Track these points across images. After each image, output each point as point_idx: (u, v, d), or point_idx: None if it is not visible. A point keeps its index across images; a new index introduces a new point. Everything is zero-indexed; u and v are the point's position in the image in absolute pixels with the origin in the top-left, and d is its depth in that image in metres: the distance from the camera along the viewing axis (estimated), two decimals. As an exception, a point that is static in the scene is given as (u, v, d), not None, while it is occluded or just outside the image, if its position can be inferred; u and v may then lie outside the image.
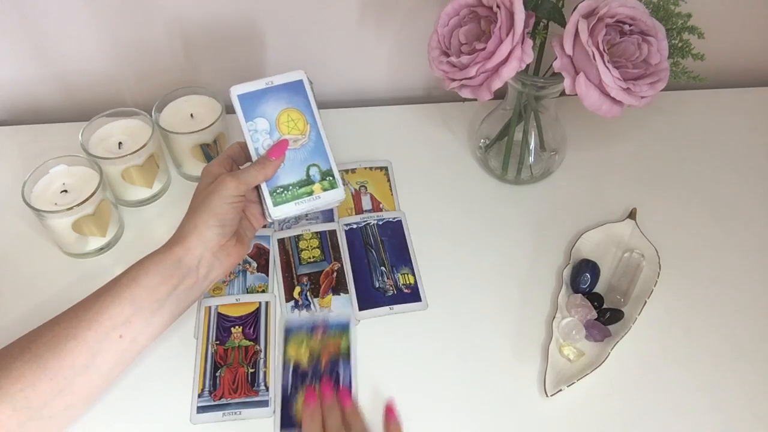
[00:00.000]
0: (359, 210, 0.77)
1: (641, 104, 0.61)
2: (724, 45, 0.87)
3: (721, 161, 0.83)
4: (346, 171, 0.80)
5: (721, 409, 0.62)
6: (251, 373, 0.63)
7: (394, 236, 0.74)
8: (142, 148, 0.71)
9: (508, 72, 0.61)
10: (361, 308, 0.68)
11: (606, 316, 0.66)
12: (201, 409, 0.61)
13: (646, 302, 0.67)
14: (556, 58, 0.62)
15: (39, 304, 0.68)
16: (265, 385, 0.62)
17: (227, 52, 0.84)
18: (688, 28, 0.63)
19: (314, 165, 0.62)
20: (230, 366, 0.64)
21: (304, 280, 0.70)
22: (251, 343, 0.65)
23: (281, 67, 0.86)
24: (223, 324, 0.66)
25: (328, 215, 0.76)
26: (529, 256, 0.73)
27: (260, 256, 0.72)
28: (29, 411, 0.50)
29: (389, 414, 0.57)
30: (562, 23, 0.62)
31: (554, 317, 0.67)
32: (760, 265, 0.73)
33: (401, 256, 0.73)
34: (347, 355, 0.63)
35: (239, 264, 0.71)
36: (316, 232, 0.74)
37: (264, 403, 0.61)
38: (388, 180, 0.80)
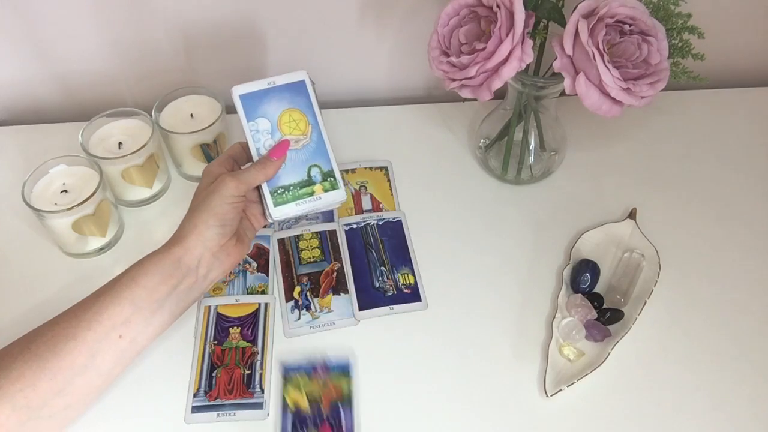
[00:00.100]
0: (359, 210, 0.77)
1: (641, 104, 0.61)
2: (724, 45, 0.87)
3: (721, 161, 0.83)
4: (346, 171, 0.80)
5: (721, 409, 0.62)
6: (247, 374, 0.63)
7: (394, 236, 0.74)
8: (142, 148, 0.71)
9: (508, 72, 0.61)
10: (361, 308, 0.68)
11: (606, 316, 0.66)
12: (195, 409, 0.61)
13: (646, 302, 0.67)
14: (556, 58, 0.62)
15: (39, 304, 0.68)
16: (261, 387, 0.62)
17: (227, 52, 0.84)
18: (688, 28, 0.63)
19: (315, 166, 0.62)
20: (227, 367, 0.64)
21: (304, 280, 0.70)
22: (249, 344, 0.65)
23: (281, 67, 0.87)
24: (222, 324, 0.66)
25: (328, 215, 0.76)
26: (529, 256, 0.73)
27: (260, 256, 0.72)
28: (29, 411, 0.50)
29: None
30: (562, 23, 0.62)
31: (554, 317, 0.67)
32: (760, 264, 0.73)
33: (401, 256, 0.73)
34: (349, 400, 0.61)
35: (239, 264, 0.71)
36: (316, 232, 0.74)
37: (258, 405, 0.61)
38: (388, 180, 0.80)
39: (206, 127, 0.73)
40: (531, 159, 0.79)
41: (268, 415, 0.61)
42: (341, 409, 0.60)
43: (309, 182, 0.62)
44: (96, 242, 0.72)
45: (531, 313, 0.68)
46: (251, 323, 0.67)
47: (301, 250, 0.73)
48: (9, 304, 0.68)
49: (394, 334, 0.67)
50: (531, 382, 0.64)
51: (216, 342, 0.65)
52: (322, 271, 0.71)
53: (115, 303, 0.54)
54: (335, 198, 0.62)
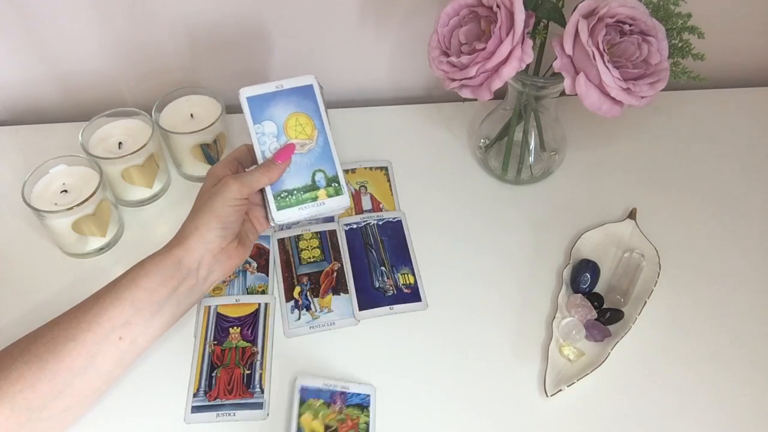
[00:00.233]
0: (359, 210, 0.77)
1: (641, 104, 0.61)
2: (724, 45, 0.87)
3: (721, 161, 0.83)
4: (346, 171, 0.80)
5: (721, 408, 0.62)
6: (247, 374, 0.63)
7: (394, 236, 0.74)
8: (142, 148, 0.71)
9: (508, 72, 0.61)
10: (361, 308, 0.68)
11: (606, 316, 0.66)
12: (195, 409, 0.61)
13: (646, 302, 0.67)
14: (556, 58, 0.62)
15: (39, 305, 0.68)
16: (261, 387, 0.62)
17: (227, 53, 0.84)
18: (688, 28, 0.63)
19: (320, 170, 0.61)
20: (226, 366, 0.64)
21: (304, 280, 0.70)
22: (248, 344, 0.65)
23: (281, 68, 0.87)
24: (222, 324, 0.66)
25: (328, 215, 0.76)
26: (529, 256, 0.73)
27: (260, 256, 0.72)
28: (28, 412, 0.50)
29: None
30: (562, 23, 0.62)
31: (554, 317, 0.67)
32: (761, 264, 0.73)
33: (401, 256, 0.73)
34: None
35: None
36: (316, 232, 0.74)
37: (258, 405, 0.61)
38: (388, 180, 0.80)
39: (206, 127, 0.73)
40: (531, 159, 0.79)
41: (267, 415, 0.61)
42: None
43: (313, 187, 0.61)
44: (96, 242, 0.72)
45: (531, 313, 0.68)
46: (251, 323, 0.67)
47: (301, 250, 0.73)
48: (9, 304, 0.68)
49: (394, 334, 0.67)
50: (531, 382, 0.64)
51: (216, 342, 0.65)
52: (322, 271, 0.71)
53: (115, 304, 0.54)
54: (339, 204, 0.61)
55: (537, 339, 0.66)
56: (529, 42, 0.61)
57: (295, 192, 0.60)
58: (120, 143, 0.73)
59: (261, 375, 0.63)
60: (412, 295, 0.69)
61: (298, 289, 0.69)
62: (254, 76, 0.87)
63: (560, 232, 0.75)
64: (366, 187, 0.79)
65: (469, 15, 0.64)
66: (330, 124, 0.62)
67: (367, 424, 0.60)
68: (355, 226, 0.75)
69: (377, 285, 0.70)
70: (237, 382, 0.62)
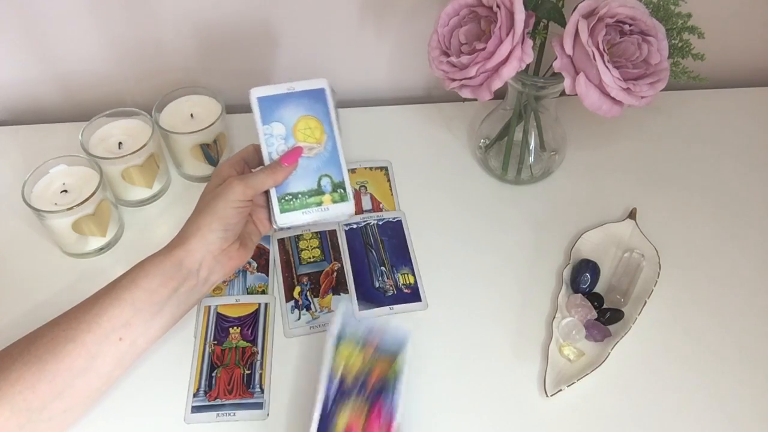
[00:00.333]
0: (359, 210, 0.77)
1: (641, 104, 0.61)
2: (724, 45, 0.87)
3: (721, 161, 0.83)
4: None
5: (721, 408, 0.62)
6: (247, 374, 0.63)
7: (394, 236, 0.74)
8: (142, 148, 0.71)
9: (508, 72, 0.61)
10: (361, 308, 0.68)
11: (606, 316, 0.66)
12: (195, 409, 0.61)
13: (646, 302, 0.67)
14: (556, 58, 0.62)
15: (39, 305, 0.68)
16: (261, 387, 0.62)
17: (227, 53, 0.84)
18: (688, 28, 0.63)
19: (326, 175, 0.61)
20: (226, 366, 0.64)
21: (304, 280, 0.70)
22: (248, 344, 0.65)
23: (281, 68, 0.87)
24: (222, 324, 0.66)
25: (330, 221, 0.75)
26: (529, 256, 0.73)
27: (260, 256, 0.72)
28: (28, 413, 0.50)
29: None
30: (562, 23, 0.62)
31: (554, 317, 0.67)
32: (761, 264, 0.73)
33: (401, 256, 0.73)
34: (396, 382, 0.57)
35: (239, 264, 0.71)
36: (316, 232, 0.74)
37: (258, 405, 0.61)
38: (388, 180, 0.80)
39: (206, 127, 0.73)
40: (531, 159, 0.79)
41: (267, 415, 0.61)
42: (388, 387, 0.57)
43: (318, 191, 0.61)
44: (96, 242, 0.72)
45: (531, 313, 0.68)
46: (251, 323, 0.67)
47: (301, 250, 0.73)
48: (9, 304, 0.68)
49: (394, 334, 0.67)
50: (531, 382, 0.64)
51: (216, 342, 0.65)
52: (322, 271, 0.71)
53: (115, 305, 0.53)
54: (343, 210, 0.61)
55: (537, 339, 0.66)
56: (529, 42, 0.61)
57: (299, 195, 0.60)
58: (120, 143, 0.73)
59: (261, 375, 0.63)
60: (412, 295, 0.69)
61: (298, 289, 0.69)
62: (254, 76, 0.87)
63: (560, 232, 0.75)
64: (366, 187, 0.79)
65: (469, 15, 0.64)
66: (340, 130, 0.62)
67: (400, 368, 0.58)
68: (355, 226, 0.75)
69: (377, 285, 0.70)
70: (237, 382, 0.62)
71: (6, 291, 0.69)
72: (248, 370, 0.63)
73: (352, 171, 0.81)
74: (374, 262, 0.72)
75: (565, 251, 0.73)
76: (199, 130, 0.73)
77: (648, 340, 0.66)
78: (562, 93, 0.68)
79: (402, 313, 0.68)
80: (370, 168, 0.81)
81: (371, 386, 0.57)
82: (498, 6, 0.60)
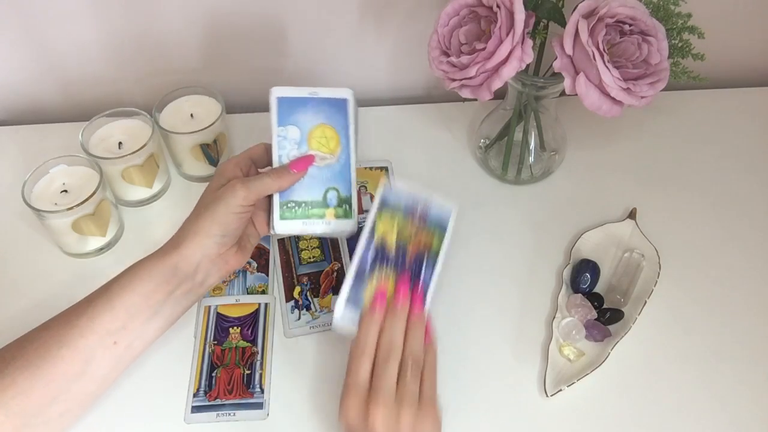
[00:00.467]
0: (359, 210, 0.77)
1: (641, 104, 0.61)
2: (724, 45, 0.87)
3: (721, 161, 0.83)
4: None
5: (722, 408, 0.62)
6: (247, 374, 0.63)
7: (394, 236, 0.74)
8: (142, 148, 0.71)
9: (508, 72, 0.61)
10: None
11: (606, 316, 0.66)
12: (195, 409, 0.61)
13: (646, 302, 0.67)
14: (556, 58, 0.62)
15: (39, 305, 0.68)
16: (261, 387, 0.62)
17: (226, 53, 0.84)
18: (688, 28, 0.63)
19: (334, 189, 0.59)
20: (226, 366, 0.64)
21: (304, 280, 0.70)
22: (248, 344, 0.65)
23: (280, 68, 0.87)
24: (222, 324, 0.66)
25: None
26: (529, 256, 0.73)
27: (260, 256, 0.72)
28: (24, 417, 0.49)
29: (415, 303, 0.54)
30: (562, 23, 0.62)
31: (554, 317, 0.67)
32: (761, 264, 0.73)
33: (401, 256, 0.72)
34: (435, 257, 0.57)
35: (239, 264, 0.71)
36: (316, 232, 0.74)
37: (258, 405, 0.61)
38: (389, 180, 0.80)
39: (206, 127, 0.73)
40: (531, 159, 0.79)
41: (267, 415, 0.61)
42: (425, 261, 0.57)
43: (323, 204, 0.59)
44: (96, 242, 0.72)
45: (531, 313, 0.68)
46: (251, 323, 0.67)
47: (301, 250, 0.73)
48: (9, 304, 0.68)
49: (394, 334, 0.67)
50: (531, 382, 0.64)
51: (216, 342, 0.65)
52: (322, 271, 0.71)
53: (108, 309, 0.52)
54: (344, 227, 0.59)
55: (537, 339, 0.66)
56: (529, 42, 0.61)
57: (303, 205, 0.58)
58: (120, 143, 0.73)
59: (261, 375, 0.63)
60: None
61: (298, 289, 0.69)
62: (253, 75, 0.87)
63: (560, 232, 0.75)
64: (366, 187, 0.79)
65: (469, 15, 0.64)
66: (357, 144, 0.60)
67: (441, 242, 0.58)
68: (355, 226, 0.75)
69: (377, 285, 0.70)
70: (237, 382, 0.62)
71: (6, 291, 0.69)
72: (248, 370, 0.63)
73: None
74: (374, 262, 0.72)
75: (565, 251, 0.73)
76: (199, 130, 0.73)
77: (648, 340, 0.66)
78: (562, 93, 0.68)
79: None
80: (370, 168, 0.81)
81: (410, 256, 0.56)
82: (498, 6, 0.60)
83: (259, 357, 0.64)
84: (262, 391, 0.62)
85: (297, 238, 0.73)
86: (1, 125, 0.86)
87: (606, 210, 0.77)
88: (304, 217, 0.58)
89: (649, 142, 0.85)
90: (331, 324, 0.67)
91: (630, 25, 0.61)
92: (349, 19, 0.83)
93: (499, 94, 0.70)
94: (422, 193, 0.59)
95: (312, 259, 0.72)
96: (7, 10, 0.76)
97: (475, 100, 0.64)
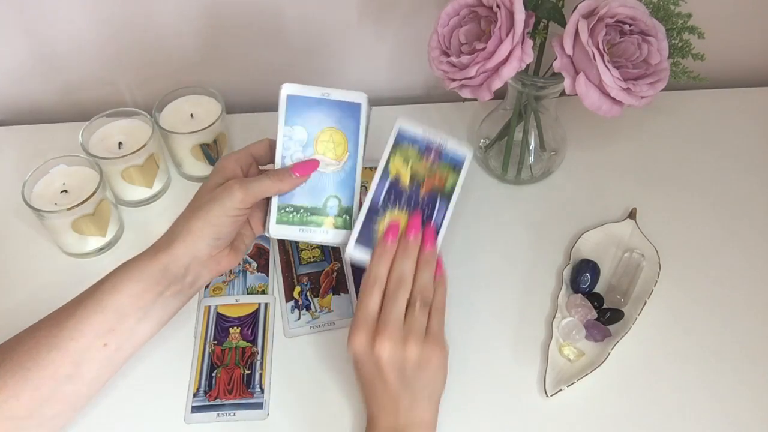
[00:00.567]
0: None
1: (641, 104, 0.61)
2: (724, 45, 0.87)
3: (721, 161, 0.83)
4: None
5: (721, 409, 0.62)
6: (247, 374, 0.63)
7: (394, 236, 0.74)
8: (142, 148, 0.71)
9: (508, 72, 0.61)
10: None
11: (606, 316, 0.66)
12: (195, 409, 0.61)
13: (646, 302, 0.67)
14: (556, 58, 0.62)
15: (39, 305, 0.67)
16: (261, 387, 0.62)
17: (226, 53, 0.84)
18: (688, 28, 0.63)
19: (335, 197, 0.57)
20: (226, 366, 0.64)
21: (304, 280, 0.70)
22: (248, 344, 0.65)
23: (280, 68, 0.87)
24: (222, 324, 0.66)
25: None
26: (529, 256, 0.73)
27: (260, 256, 0.72)
28: (15, 420, 0.49)
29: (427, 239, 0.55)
30: (562, 23, 0.62)
31: (554, 317, 0.67)
32: (761, 264, 0.73)
33: (401, 256, 0.72)
34: (449, 195, 0.57)
35: (239, 264, 0.71)
36: (316, 232, 0.74)
37: (258, 405, 0.61)
38: (388, 180, 0.80)
39: (206, 127, 0.73)
40: (531, 159, 0.79)
41: (267, 415, 0.61)
42: (438, 201, 0.57)
43: (322, 212, 0.57)
44: (96, 242, 0.72)
45: (531, 313, 0.68)
46: (251, 323, 0.67)
47: (301, 250, 0.73)
48: (9, 304, 0.68)
49: (394, 334, 0.67)
50: (531, 382, 0.64)
51: (216, 342, 0.65)
52: (322, 271, 0.71)
53: (98, 311, 0.51)
54: (342, 239, 0.57)
55: (537, 339, 0.66)
56: (529, 42, 0.61)
57: (301, 210, 0.57)
58: (120, 143, 0.73)
59: (261, 375, 0.63)
60: (412, 295, 0.69)
61: (298, 289, 0.69)
62: (253, 76, 0.87)
63: (560, 232, 0.75)
64: (366, 188, 0.79)
65: (469, 15, 0.64)
66: (365, 152, 0.58)
67: (454, 184, 0.57)
68: (355, 226, 0.75)
69: (377, 285, 0.70)
70: (237, 382, 0.62)
71: (6, 291, 0.69)
72: (248, 370, 0.63)
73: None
74: (374, 262, 0.72)
75: (565, 251, 0.73)
76: (199, 130, 0.73)
77: (648, 340, 0.66)
78: (562, 93, 0.68)
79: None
80: (371, 168, 0.81)
81: (423, 196, 0.57)
82: (498, 6, 0.60)
83: (259, 357, 0.64)
84: (262, 391, 0.62)
85: (297, 238, 0.73)
86: (1, 125, 0.86)
87: (606, 210, 0.77)
88: (302, 224, 0.57)
89: (649, 142, 0.85)
90: (331, 323, 0.67)
91: (630, 25, 0.61)
92: (349, 19, 0.83)
93: (499, 94, 0.70)
94: (437, 134, 0.58)
95: (312, 259, 0.72)
96: (7, 10, 0.76)
97: (475, 100, 0.64)
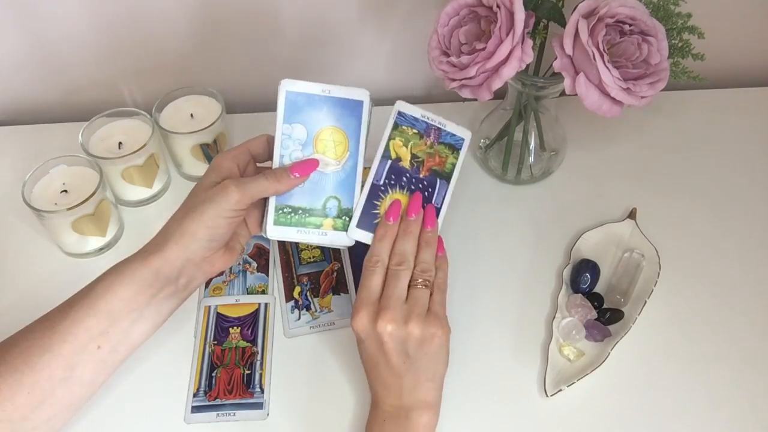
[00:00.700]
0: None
1: (641, 104, 0.61)
2: (724, 45, 0.87)
3: (721, 161, 0.83)
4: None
5: (721, 408, 0.62)
6: (247, 374, 0.63)
7: (394, 236, 0.74)
8: (142, 148, 0.71)
9: (508, 72, 0.61)
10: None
11: (606, 316, 0.66)
12: (195, 409, 0.61)
13: (646, 302, 0.67)
14: (556, 58, 0.62)
15: (39, 304, 0.67)
16: (261, 387, 0.62)
17: (226, 53, 0.84)
18: (688, 28, 0.63)
19: (335, 198, 0.56)
20: (226, 366, 0.64)
21: (304, 280, 0.70)
22: (248, 344, 0.65)
23: (280, 68, 0.87)
24: (222, 324, 0.66)
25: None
26: (529, 256, 0.73)
27: (260, 256, 0.72)
28: (10, 424, 0.49)
29: (428, 218, 0.56)
30: (562, 23, 0.62)
31: (554, 317, 0.67)
32: (760, 264, 0.73)
33: (401, 256, 0.72)
34: (449, 176, 0.58)
35: (239, 264, 0.71)
36: (316, 232, 0.74)
37: (258, 405, 0.61)
38: (388, 180, 0.80)
39: (206, 127, 0.73)
40: (531, 159, 0.79)
41: (267, 415, 0.61)
42: (438, 182, 0.57)
43: (321, 213, 0.56)
44: (96, 242, 0.72)
45: (531, 313, 0.68)
46: (251, 323, 0.67)
47: (301, 250, 0.73)
48: (9, 304, 0.68)
49: (394, 334, 0.67)
50: (531, 382, 0.64)
51: (216, 342, 0.65)
52: (322, 271, 0.71)
53: (91, 314, 0.50)
54: (341, 241, 0.56)
55: (537, 339, 0.66)
56: (529, 42, 0.61)
57: (299, 211, 0.55)
58: (120, 143, 0.73)
59: (261, 375, 0.63)
60: (412, 295, 0.69)
61: (298, 289, 0.69)
62: (252, 76, 0.87)
63: (560, 232, 0.75)
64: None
65: (469, 15, 0.64)
66: (366, 152, 0.56)
67: (454, 165, 0.58)
68: (355, 226, 0.75)
69: (377, 285, 0.70)
70: (237, 382, 0.62)
71: (6, 291, 0.69)
72: (248, 370, 0.63)
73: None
74: (374, 262, 0.72)
75: (565, 251, 0.73)
76: (199, 130, 0.73)
77: (648, 340, 0.66)
78: (562, 93, 0.68)
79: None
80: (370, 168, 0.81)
81: (424, 174, 0.57)
82: (498, 6, 0.60)
83: (259, 357, 0.64)
84: (262, 391, 0.62)
85: (297, 238, 0.73)
86: (1, 125, 0.86)
87: (606, 210, 0.77)
88: (300, 225, 0.55)
89: (649, 142, 0.85)
90: (331, 323, 0.67)
91: (630, 25, 0.61)
92: (349, 20, 0.83)
93: (499, 94, 0.70)
94: (436, 116, 0.58)
95: (312, 259, 0.72)
96: (7, 10, 0.76)
97: (475, 100, 0.64)
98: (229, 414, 0.61)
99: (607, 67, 0.58)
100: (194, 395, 0.62)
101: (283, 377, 0.63)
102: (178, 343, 0.65)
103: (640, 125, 0.87)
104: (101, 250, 0.72)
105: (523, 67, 0.61)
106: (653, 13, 0.63)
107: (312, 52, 0.86)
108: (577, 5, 0.60)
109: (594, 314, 0.66)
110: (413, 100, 0.89)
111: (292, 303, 0.68)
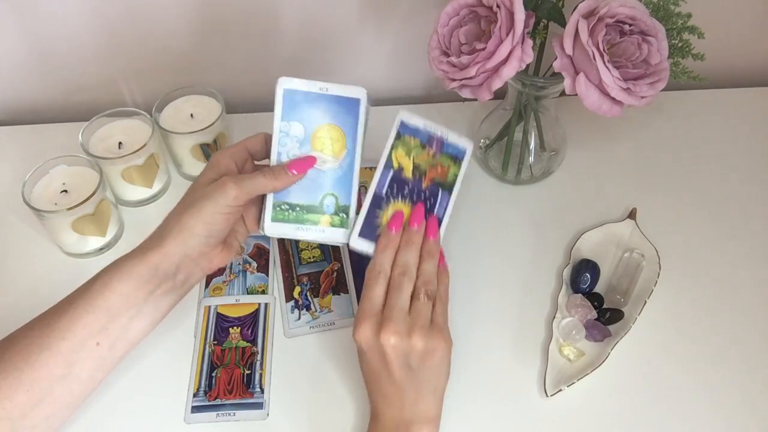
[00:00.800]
0: (359, 209, 0.77)
1: (641, 104, 0.61)
2: (724, 45, 0.87)
3: (720, 161, 0.83)
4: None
5: (720, 409, 0.62)
6: (247, 374, 0.63)
7: (394, 236, 0.74)
8: (142, 148, 0.71)
9: (508, 72, 0.61)
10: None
11: (606, 316, 0.66)
12: (195, 409, 0.61)
13: (646, 302, 0.67)
14: (556, 58, 0.62)
15: (39, 304, 0.67)
16: (261, 387, 0.62)
17: (226, 53, 0.84)
18: (688, 28, 0.63)
19: (332, 195, 0.56)
20: (226, 366, 0.64)
21: (304, 280, 0.70)
22: (248, 344, 0.65)
23: (280, 68, 0.87)
24: (222, 324, 0.66)
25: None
26: (529, 256, 0.73)
27: (260, 256, 0.72)
28: (10, 422, 0.49)
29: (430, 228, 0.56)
30: (562, 23, 0.62)
31: (554, 317, 0.67)
32: (760, 264, 0.73)
33: (401, 256, 0.72)
34: (451, 186, 0.58)
35: (239, 264, 0.71)
36: (316, 232, 0.74)
37: (258, 405, 0.61)
38: (388, 180, 0.80)
39: (206, 127, 0.73)
40: (531, 159, 0.79)
41: (267, 415, 0.61)
42: (440, 193, 0.57)
43: (318, 210, 0.56)
44: (96, 242, 0.72)
45: (531, 313, 0.68)
46: (251, 323, 0.67)
47: (301, 250, 0.73)
48: (9, 304, 0.68)
49: (394, 334, 0.67)
50: (531, 382, 0.64)
51: (216, 342, 0.65)
52: (322, 271, 0.71)
53: (89, 311, 0.51)
54: (339, 237, 0.57)
55: (537, 339, 0.66)
56: (529, 42, 0.61)
57: (297, 208, 0.56)
58: (120, 143, 0.73)
59: (261, 375, 0.63)
60: (412, 295, 0.69)
61: (298, 289, 0.69)
62: (252, 75, 0.87)
63: (560, 232, 0.75)
64: (366, 187, 0.79)
65: (469, 15, 0.64)
66: (363, 149, 0.57)
67: (456, 176, 0.58)
68: (355, 226, 0.75)
69: (377, 285, 0.70)
70: (237, 382, 0.62)
71: (6, 291, 0.69)
72: (248, 370, 0.63)
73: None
74: (374, 262, 0.72)
75: (565, 251, 0.73)
76: (199, 130, 0.73)
77: (648, 340, 0.66)
78: (562, 93, 0.68)
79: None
80: (370, 168, 0.81)
81: (426, 184, 0.57)
82: (498, 6, 0.60)
83: (259, 357, 0.64)
84: (262, 391, 0.62)
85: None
86: (1, 125, 0.86)
87: (606, 210, 0.77)
88: (298, 222, 0.56)
89: (649, 142, 0.85)
90: (331, 323, 0.67)
91: (630, 25, 0.61)
92: (349, 20, 0.83)
93: (499, 94, 0.70)
94: (438, 127, 0.58)
95: (312, 259, 0.72)
96: (7, 10, 0.76)
97: (475, 100, 0.64)
98: (229, 414, 0.61)
99: (607, 67, 0.58)
100: (194, 395, 0.62)
101: (283, 377, 0.63)
102: (178, 343, 0.65)
103: (640, 125, 0.87)
104: (101, 250, 0.72)
105: (523, 67, 0.61)
106: (653, 13, 0.63)
107: (312, 52, 0.86)
108: (577, 5, 0.60)
109: (594, 314, 0.66)
110: (413, 100, 0.90)
111: (292, 303, 0.68)
